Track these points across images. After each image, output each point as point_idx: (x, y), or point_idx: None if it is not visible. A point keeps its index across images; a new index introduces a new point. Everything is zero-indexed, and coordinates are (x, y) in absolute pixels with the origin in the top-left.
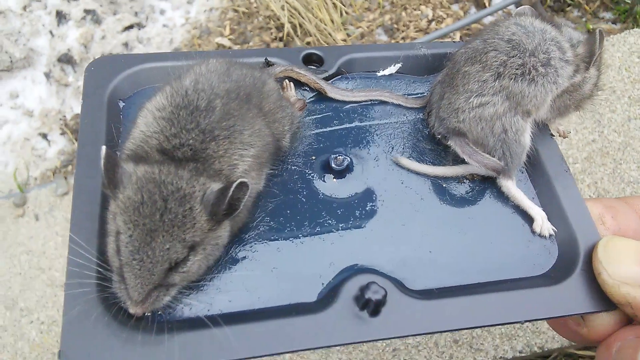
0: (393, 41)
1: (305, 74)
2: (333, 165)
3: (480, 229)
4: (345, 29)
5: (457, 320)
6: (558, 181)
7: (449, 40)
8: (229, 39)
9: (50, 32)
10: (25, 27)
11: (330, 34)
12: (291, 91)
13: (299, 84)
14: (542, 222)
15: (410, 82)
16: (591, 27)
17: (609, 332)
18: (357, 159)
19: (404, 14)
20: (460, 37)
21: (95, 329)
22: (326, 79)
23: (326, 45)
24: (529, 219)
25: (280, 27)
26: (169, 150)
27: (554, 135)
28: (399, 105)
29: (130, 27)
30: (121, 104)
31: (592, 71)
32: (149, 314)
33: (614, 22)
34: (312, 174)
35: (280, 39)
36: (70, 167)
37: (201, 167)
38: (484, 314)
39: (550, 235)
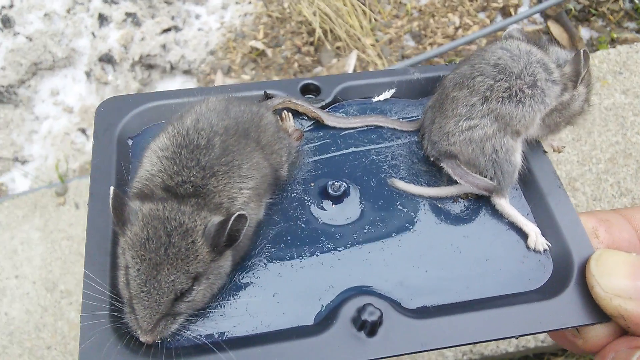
0: (420, 47)
1: (303, 104)
2: (330, 192)
3: (475, 247)
4: (374, 35)
5: (453, 337)
6: (552, 197)
7: (475, 45)
8: (263, 43)
9: (92, 34)
10: (69, 28)
11: (359, 39)
12: (290, 122)
13: (297, 114)
14: (536, 238)
15: (405, 106)
16: (615, 35)
17: (604, 343)
18: (354, 184)
19: (431, 21)
20: (486, 43)
21: (109, 357)
22: (323, 107)
23: (355, 49)
24: (523, 235)
25: (311, 32)
26: (172, 187)
27: (546, 152)
28: (394, 129)
29: (168, 29)
30: (130, 142)
31: (580, 89)
32: (158, 341)
33: (637, 32)
34: (311, 201)
35: (311, 44)
36: None
37: (202, 202)
38: (479, 330)
39: (545, 250)
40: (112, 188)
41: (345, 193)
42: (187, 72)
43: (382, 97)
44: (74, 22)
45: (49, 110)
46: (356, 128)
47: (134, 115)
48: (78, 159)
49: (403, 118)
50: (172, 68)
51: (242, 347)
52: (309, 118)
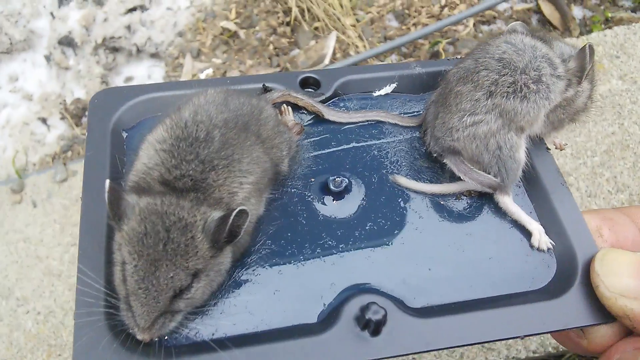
0: (404, 27)
1: (303, 98)
2: (331, 187)
3: (478, 245)
4: (354, 14)
5: (457, 337)
6: (555, 195)
7: (462, 26)
8: (235, 23)
9: (51, 14)
10: (26, 8)
11: (339, 19)
12: (289, 115)
13: (296, 108)
14: (540, 236)
15: (406, 101)
16: (610, 15)
17: (609, 344)
18: (355, 180)
19: None
20: (474, 24)
21: (105, 356)
22: (323, 101)
23: (335, 30)
24: (527, 234)
25: (287, 12)
26: (170, 181)
27: (549, 149)
28: (395, 125)
29: (134, 9)
30: (124, 134)
31: (584, 85)
32: (156, 339)
33: (633, 11)
34: (311, 196)
35: (288, 24)
36: (69, 153)
37: (202, 196)
38: (483, 330)
39: (549, 249)
40: (107, 181)
41: (347, 189)
42: (154, 56)
43: (382, 92)
44: (31, 1)
45: (7, 98)
46: (357, 123)
47: (128, 107)
48: (38, 152)
49: (404, 113)
50: (138, 51)
51: (243, 345)
52: (309, 112)
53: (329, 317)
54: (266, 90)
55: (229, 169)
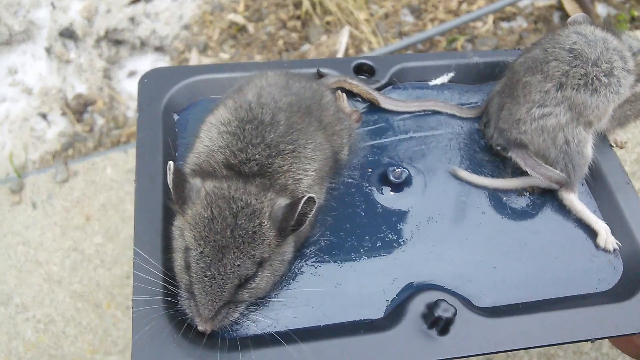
0: (420, 23)
1: (358, 85)
2: (391, 178)
3: (543, 244)
4: (368, 8)
5: (526, 338)
6: (620, 194)
7: (481, 22)
8: (243, 16)
9: (52, 4)
10: None
11: (352, 13)
12: (344, 102)
13: (351, 95)
14: (607, 236)
15: (463, 92)
16: (636, 13)
17: None
18: (414, 171)
19: None
20: (494, 20)
21: (167, 349)
22: (378, 89)
23: (348, 24)
24: (591, 233)
25: (298, 5)
26: (235, 165)
27: (613, 146)
28: (452, 116)
29: (137, 0)
30: (175, 117)
31: None
32: (217, 331)
33: None
34: (369, 187)
35: (298, 18)
36: (70, 151)
37: (268, 182)
38: (552, 332)
39: (615, 250)
40: (171, 163)
41: (407, 181)
42: (159, 49)
43: (439, 81)
44: None
45: (5, 92)
46: (413, 112)
47: (179, 88)
48: (38, 149)
49: (462, 104)
50: (142, 44)
51: (306, 340)
52: (363, 100)
53: (394, 314)
54: (320, 75)
55: (295, 155)
